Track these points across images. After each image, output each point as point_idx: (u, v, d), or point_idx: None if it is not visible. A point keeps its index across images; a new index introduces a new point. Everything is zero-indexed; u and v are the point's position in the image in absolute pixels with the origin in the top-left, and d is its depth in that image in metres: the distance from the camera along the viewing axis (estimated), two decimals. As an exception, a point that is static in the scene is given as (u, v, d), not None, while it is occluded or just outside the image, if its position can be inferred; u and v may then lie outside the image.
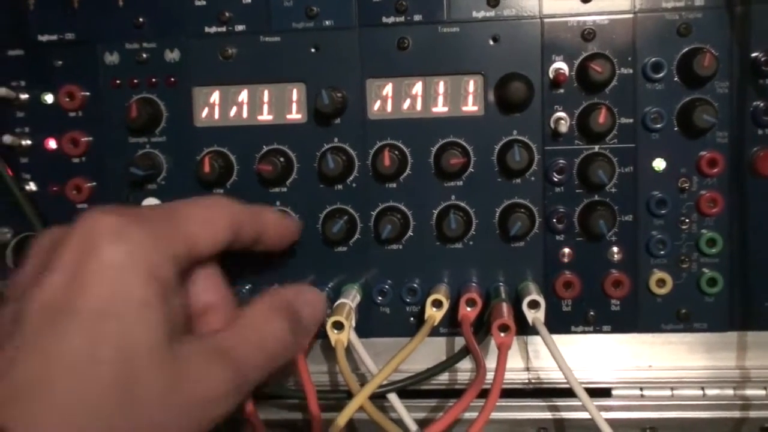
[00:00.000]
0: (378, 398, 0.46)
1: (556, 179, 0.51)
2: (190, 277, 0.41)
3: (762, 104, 0.49)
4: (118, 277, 0.34)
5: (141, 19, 0.53)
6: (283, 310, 0.42)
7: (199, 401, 0.35)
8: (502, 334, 0.46)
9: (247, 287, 0.54)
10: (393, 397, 0.48)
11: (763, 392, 0.52)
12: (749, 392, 0.52)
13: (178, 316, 0.37)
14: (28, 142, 0.55)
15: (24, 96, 0.55)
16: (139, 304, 0.34)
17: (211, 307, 0.42)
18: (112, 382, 0.32)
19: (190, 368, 0.35)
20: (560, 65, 0.51)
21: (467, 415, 0.47)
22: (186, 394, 0.35)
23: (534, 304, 0.48)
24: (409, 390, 0.49)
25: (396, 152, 0.51)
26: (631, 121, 0.51)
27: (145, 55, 0.54)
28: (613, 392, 0.54)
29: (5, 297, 0.38)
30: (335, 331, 0.48)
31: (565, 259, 0.52)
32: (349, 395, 0.46)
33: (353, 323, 0.50)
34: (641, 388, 0.53)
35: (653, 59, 0.50)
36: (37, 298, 0.33)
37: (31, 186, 0.55)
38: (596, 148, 0.51)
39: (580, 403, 0.45)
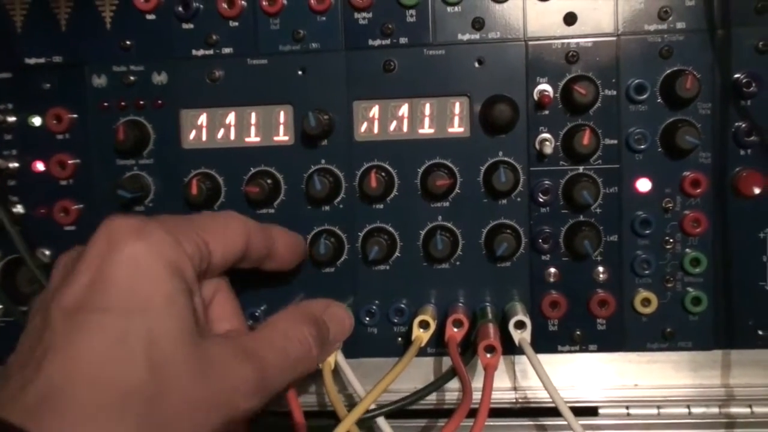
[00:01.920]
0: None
1: (541, 200, 0.52)
2: (204, 288, 0.41)
3: (744, 125, 0.50)
4: (142, 272, 0.34)
5: (128, 42, 0.54)
6: (310, 320, 0.43)
7: (224, 397, 0.35)
8: (489, 355, 0.47)
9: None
10: (381, 421, 0.48)
11: (747, 410, 0.52)
12: (734, 410, 0.53)
13: (199, 314, 0.37)
14: (16, 164, 0.55)
15: (11, 119, 0.55)
16: (164, 297, 0.34)
17: (225, 319, 0.43)
18: (142, 379, 0.32)
19: (216, 363, 0.35)
20: (545, 87, 0.51)
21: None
22: (212, 389, 0.35)
23: (520, 325, 0.49)
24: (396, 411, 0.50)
25: (383, 174, 0.52)
26: (615, 142, 0.51)
27: (132, 78, 0.54)
28: (600, 411, 0.54)
29: (32, 310, 0.39)
30: (322, 354, 0.48)
31: (551, 279, 0.52)
32: (337, 418, 0.46)
33: (341, 344, 0.50)
34: (627, 407, 0.54)
35: (636, 81, 0.50)
36: (62, 301, 0.34)
37: (19, 208, 0.55)
38: (581, 169, 0.51)
39: (567, 423, 0.46)
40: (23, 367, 0.33)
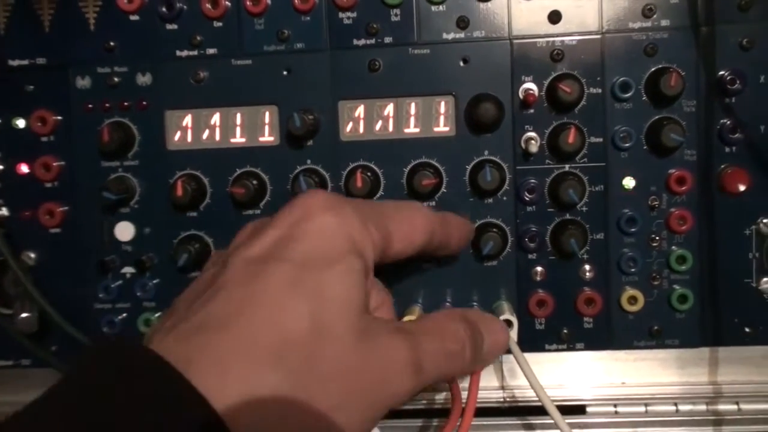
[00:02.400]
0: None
1: (527, 199, 0.51)
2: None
3: (728, 122, 0.50)
4: (328, 240, 0.35)
5: (112, 43, 0.53)
6: (465, 321, 0.41)
7: (377, 371, 0.34)
8: (475, 355, 0.47)
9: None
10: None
11: (734, 407, 0.53)
12: (721, 407, 0.53)
13: (368, 295, 0.38)
14: (0, 167, 0.55)
15: (-6, 122, 0.55)
16: (343, 266, 0.35)
17: (381, 309, 0.42)
18: (304, 331, 0.32)
19: (375, 337, 0.35)
20: (530, 86, 0.51)
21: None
22: (367, 360, 0.34)
23: (507, 324, 0.49)
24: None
25: (368, 174, 0.51)
26: (600, 140, 0.51)
27: (116, 79, 0.54)
28: (588, 409, 0.54)
29: (208, 263, 0.41)
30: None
31: (538, 278, 0.52)
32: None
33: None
34: (615, 405, 0.54)
35: (621, 79, 0.50)
36: (244, 252, 0.35)
37: (4, 211, 0.55)
38: (567, 167, 0.51)
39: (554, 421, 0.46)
40: (192, 302, 0.34)
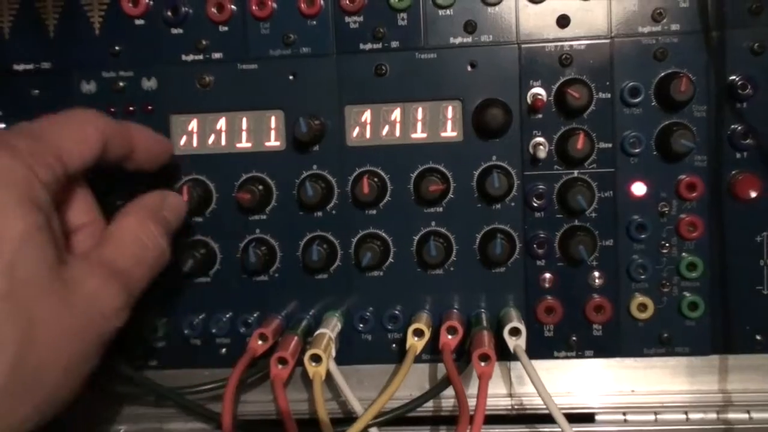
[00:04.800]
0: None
1: (535, 204, 0.51)
2: (61, 195, 0.41)
3: (739, 128, 0.50)
4: (1, 212, 0.33)
5: (117, 48, 0.53)
6: (154, 218, 0.43)
7: (94, 320, 0.37)
8: (483, 364, 0.46)
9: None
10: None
11: (746, 416, 0.52)
12: (732, 416, 0.52)
13: (59, 240, 0.37)
14: (5, 172, 0.54)
15: (0, 126, 0.54)
16: (22, 237, 0.34)
17: (83, 225, 0.43)
18: (4, 322, 0.32)
19: (82, 289, 0.36)
20: (538, 90, 0.50)
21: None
22: (81, 316, 0.36)
23: (515, 332, 0.48)
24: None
25: (375, 179, 0.51)
26: (609, 145, 0.50)
27: (122, 84, 0.53)
28: (597, 417, 0.53)
29: None
30: (313, 364, 0.48)
31: (547, 285, 0.52)
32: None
33: (333, 353, 0.49)
34: (624, 413, 0.53)
35: (630, 84, 0.50)
36: None
37: (8, 216, 0.54)
38: (575, 173, 0.51)
39: (561, 430, 0.45)
40: None
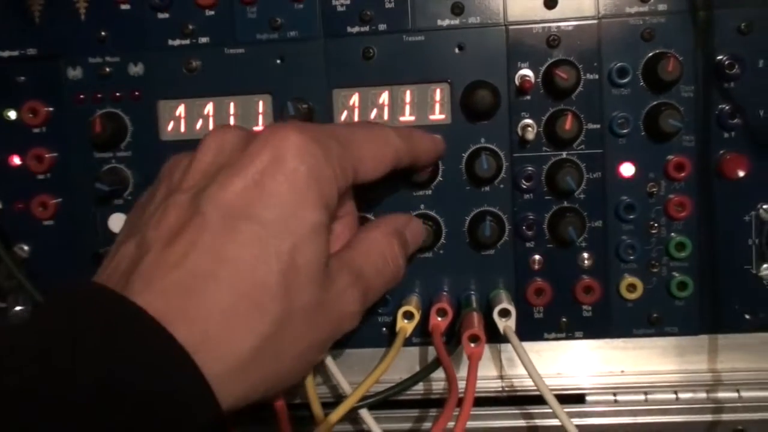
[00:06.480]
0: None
1: (524, 186, 0.51)
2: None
3: (727, 107, 0.50)
4: (297, 197, 0.35)
5: (104, 33, 0.53)
6: (399, 238, 0.44)
7: (336, 317, 0.39)
8: (473, 345, 0.46)
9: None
10: (364, 413, 0.47)
11: (735, 395, 0.52)
12: (722, 395, 0.52)
13: (331, 241, 0.40)
14: (-8, 159, 0.54)
15: (-13, 114, 0.54)
16: (312, 226, 0.36)
17: (342, 229, 0.43)
18: (275, 292, 0.34)
19: (334, 286, 0.38)
20: (526, 72, 0.50)
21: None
22: (328, 311, 0.38)
23: (505, 313, 0.48)
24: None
25: (364, 162, 0.51)
26: (598, 126, 0.50)
27: (108, 70, 0.53)
28: (587, 398, 0.53)
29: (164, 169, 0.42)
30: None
31: (536, 266, 0.52)
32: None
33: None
34: (615, 394, 0.53)
35: (618, 64, 0.50)
36: (217, 197, 0.35)
37: (-4, 203, 0.54)
38: (564, 154, 0.51)
39: (553, 411, 0.45)
40: (165, 246, 0.34)
